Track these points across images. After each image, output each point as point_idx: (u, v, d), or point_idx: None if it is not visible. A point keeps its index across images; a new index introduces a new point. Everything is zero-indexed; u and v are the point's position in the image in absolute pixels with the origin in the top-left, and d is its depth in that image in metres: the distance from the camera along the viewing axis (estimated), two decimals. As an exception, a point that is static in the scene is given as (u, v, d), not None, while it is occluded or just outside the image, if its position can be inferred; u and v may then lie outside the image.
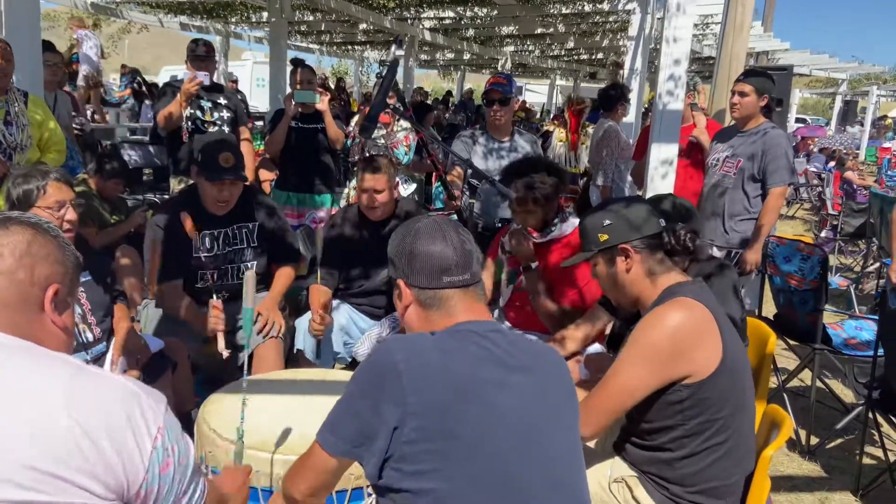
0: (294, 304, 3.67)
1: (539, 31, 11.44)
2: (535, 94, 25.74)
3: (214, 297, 2.86)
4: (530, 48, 14.75)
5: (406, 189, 5.50)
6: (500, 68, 14.60)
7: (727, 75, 5.97)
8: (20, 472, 1.00)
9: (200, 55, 4.43)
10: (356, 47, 15.85)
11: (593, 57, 15.98)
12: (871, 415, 3.16)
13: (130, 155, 6.03)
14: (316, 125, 4.66)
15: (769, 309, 4.18)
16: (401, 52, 3.14)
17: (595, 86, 17.77)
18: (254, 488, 1.86)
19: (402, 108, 3.47)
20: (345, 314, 3.30)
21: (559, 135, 8.31)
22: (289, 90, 4.82)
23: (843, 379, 4.13)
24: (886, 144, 11.97)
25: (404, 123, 5.03)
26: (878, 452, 3.25)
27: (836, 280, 5.78)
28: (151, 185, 6.06)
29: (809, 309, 3.59)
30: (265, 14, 10.18)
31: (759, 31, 11.21)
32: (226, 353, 2.74)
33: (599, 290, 2.41)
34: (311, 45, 14.75)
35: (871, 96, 21.45)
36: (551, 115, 14.33)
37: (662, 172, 3.91)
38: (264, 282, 3.26)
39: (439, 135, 8.45)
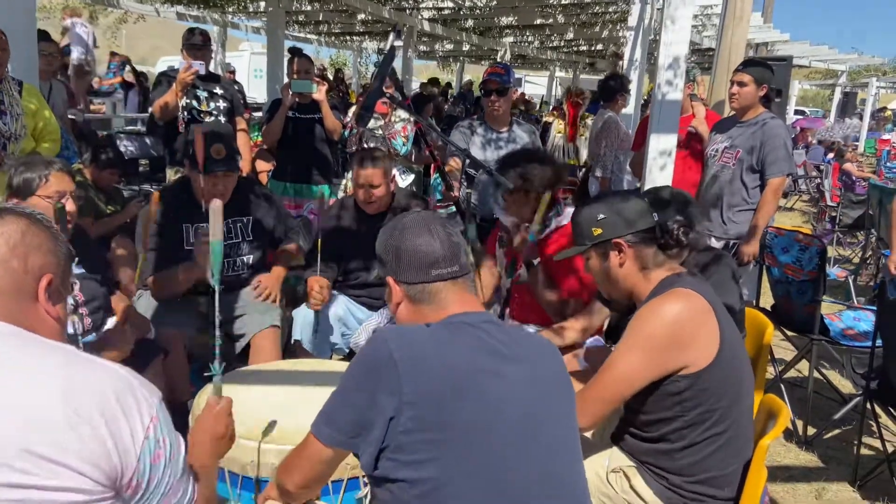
0: (291, 296, 3.66)
1: (538, 21, 11.39)
2: (534, 85, 25.69)
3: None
4: (529, 39, 14.70)
5: (404, 180, 5.47)
6: (499, 59, 14.54)
7: (726, 66, 5.95)
8: (17, 455, 1.01)
9: (196, 44, 4.40)
10: (354, 38, 15.78)
11: (593, 48, 15.92)
12: (868, 405, 3.16)
13: (126, 145, 5.99)
14: (313, 115, 4.64)
15: (767, 300, 4.18)
16: (399, 42, 3.11)
17: (593, 77, 17.74)
18: (248, 478, 1.86)
19: (399, 97, 3.45)
20: (342, 305, 3.29)
21: (558, 126, 8.28)
22: (286, 80, 4.79)
23: (841, 369, 4.13)
24: (886, 136, 11.96)
25: (402, 114, 5.00)
26: (876, 443, 3.25)
27: (834, 271, 5.77)
28: (147, 175, 6.03)
29: (807, 300, 3.58)
30: (262, 3, 10.14)
31: (758, 21, 11.16)
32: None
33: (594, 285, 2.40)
34: (308, 36, 14.68)
35: (871, 88, 21.42)
36: (550, 107, 14.29)
37: (661, 164, 3.90)
38: (262, 273, 3.25)
39: (438, 126, 8.41)
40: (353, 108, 5.56)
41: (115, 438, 1.08)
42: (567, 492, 1.42)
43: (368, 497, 1.86)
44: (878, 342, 3.12)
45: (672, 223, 1.87)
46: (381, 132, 5.34)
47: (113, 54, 11.01)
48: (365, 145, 4.86)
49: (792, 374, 3.98)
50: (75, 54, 8.37)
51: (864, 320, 3.84)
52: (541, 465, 1.38)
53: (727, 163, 3.93)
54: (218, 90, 4.44)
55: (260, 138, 6.16)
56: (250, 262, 3.19)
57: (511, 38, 14.39)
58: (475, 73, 21.94)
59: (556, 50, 16.99)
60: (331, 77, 13.31)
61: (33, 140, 3.44)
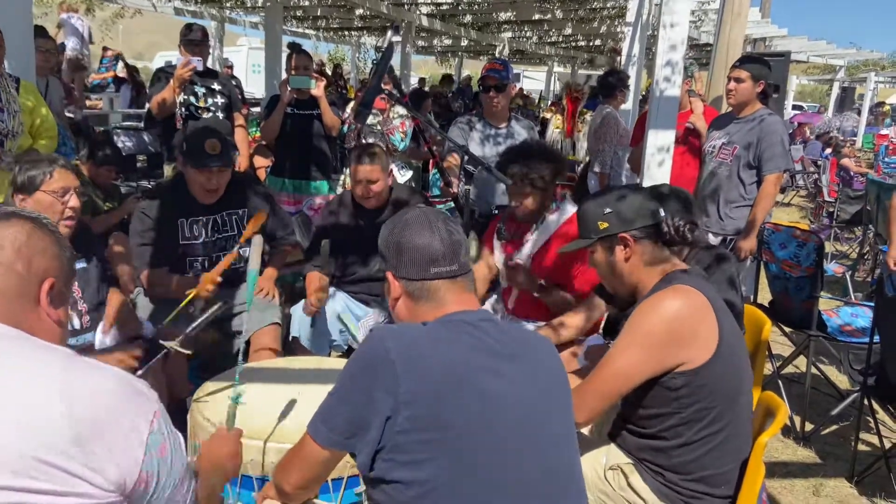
0: (290, 292, 3.66)
1: (537, 17, 11.37)
2: (532, 80, 25.64)
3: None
4: (528, 34, 14.67)
5: (402, 176, 5.46)
6: (497, 55, 14.52)
7: (724, 61, 5.95)
8: (18, 461, 1.00)
9: (194, 40, 4.39)
10: (353, 33, 15.74)
11: (591, 43, 15.90)
12: (866, 401, 3.17)
13: (124, 141, 5.98)
14: (312, 111, 4.63)
15: (764, 296, 4.19)
16: (397, 38, 3.11)
17: (590, 72, 17.72)
18: (248, 477, 1.86)
19: (397, 94, 3.44)
20: (340, 302, 3.29)
21: (556, 122, 8.28)
22: (284, 76, 4.78)
23: (839, 366, 4.14)
24: (884, 131, 11.93)
25: (400, 110, 5.00)
26: (873, 439, 3.26)
27: (831, 267, 5.78)
28: (145, 171, 6.01)
29: (805, 296, 3.59)
30: (260, -1, 10.11)
31: (756, 17, 11.15)
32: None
33: (597, 276, 2.40)
34: (307, 31, 14.64)
35: (869, 83, 21.40)
36: (549, 102, 14.27)
37: (659, 160, 3.90)
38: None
39: (436, 122, 8.40)
40: (351, 104, 5.55)
41: (116, 442, 1.08)
42: (565, 488, 1.43)
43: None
44: (876, 338, 3.13)
45: (678, 219, 1.87)
46: (379, 128, 5.33)
47: (105, 49, 10.97)
48: (363, 141, 4.85)
49: (789, 370, 3.99)
50: (70, 45, 8.33)
51: (862, 316, 3.85)
52: (539, 463, 1.38)
53: (724, 159, 3.93)
54: (216, 86, 4.43)
55: (258, 134, 6.16)
56: (247, 255, 3.19)
57: (509, 34, 14.37)
58: (473, 69, 21.93)
59: (554, 45, 16.97)
60: (329, 72, 13.29)
61: (30, 137, 3.42)
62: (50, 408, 1.04)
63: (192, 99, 4.30)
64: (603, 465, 1.92)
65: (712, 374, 1.75)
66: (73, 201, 2.42)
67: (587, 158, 6.34)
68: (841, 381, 4.01)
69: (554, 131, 8.21)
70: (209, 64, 4.67)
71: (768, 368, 3.65)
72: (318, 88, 4.53)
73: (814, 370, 3.63)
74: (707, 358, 1.74)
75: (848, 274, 5.79)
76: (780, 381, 3.69)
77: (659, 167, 3.89)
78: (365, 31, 15.29)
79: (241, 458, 1.60)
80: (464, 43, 15.60)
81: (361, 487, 1.87)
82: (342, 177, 5.33)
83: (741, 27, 6.40)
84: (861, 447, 3.25)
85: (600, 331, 2.95)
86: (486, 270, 3.14)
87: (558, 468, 1.42)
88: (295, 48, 4.80)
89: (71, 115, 5.70)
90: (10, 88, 3.29)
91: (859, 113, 21.22)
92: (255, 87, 13.23)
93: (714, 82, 6.34)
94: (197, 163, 2.94)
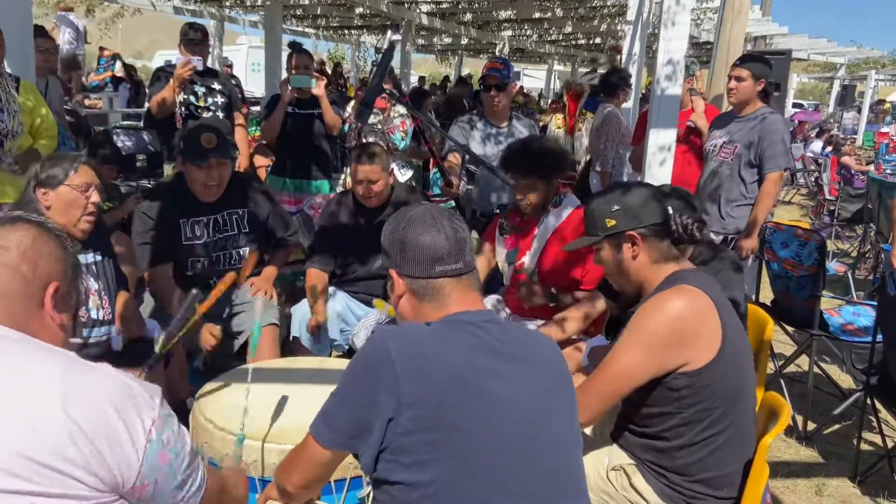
0: (290, 291, 3.65)
1: (537, 15, 11.36)
2: (532, 79, 25.64)
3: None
4: (528, 33, 14.66)
5: (403, 175, 5.45)
6: (497, 53, 14.50)
7: (725, 60, 5.95)
8: (13, 460, 1.00)
9: (194, 39, 4.38)
10: (352, 31, 15.72)
11: (591, 42, 15.88)
12: (868, 401, 3.16)
13: (123, 140, 5.96)
14: (312, 111, 4.62)
15: (766, 295, 4.18)
16: (397, 37, 3.10)
17: (586, 70, 17.67)
18: (250, 478, 1.86)
19: (398, 94, 3.43)
20: (341, 301, 3.28)
21: (556, 122, 8.26)
22: (284, 75, 4.77)
23: (840, 365, 4.13)
24: (884, 129, 11.92)
25: (401, 109, 4.99)
26: (876, 438, 3.25)
27: (833, 266, 5.77)
28: (145, 171, 6.00)
29: (807, 295, 3.58)
30: (260, -2, 10.09)
31: (757, 14, 11.14)
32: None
33: (600, 271, 2.39)
34: (306, 30, 14.62)
35: (870, 80, 21.39)
36: (549, 102, 14.24)
37: (661, 158, 3.88)
38: (259, 266, 3.24)
39: (437, 121, 8.38)
40: (351, 103, 5.54)
41: (113, 445, 1.08)
42: (566, 488, 1.42)
43: (371, 497, 1.85)
44: (879, 337, 3.12)
45: (687, 217, 1.86)
46: (379, 127, 5.32)
47: (102, 50, 10.97)
48: (364, 140, 4.84)
49: (791, 369, 3.98)
50: (65, 40, 8.32)
51: (864, 315, 3.84)
52: (542, 463, 1.38)
53: (725, 158, 3.93)
54: (216, 86, 4.42)
55: (258, 133, 6.15)
56: (247, 254, 3.18)
57: (509, 32, 14.35)
58: (473, 67, 21.92)
59: (554, 44, 16.94)
60: (329, 71, 13.28)
61: (30, 137, 3.41)
62: (49, 409, 1.04)
63: (192, 98, 4.29)
64: (605, 465, 1.91)
65: (715, 375, 1.74)
66: (95, 197, 2.46)
67: (587, 157, 6.33)
68: (843, 380, 4.00)
69: (556, 131, 8.19)
70: (209, 63, 4.66)
71: (770, 368, 3.63)
72: (319, 87, 4.52)
73: (816, 369, 3.62)
74: (710, 359, 1.73)
75: (850, 272, 5.78)
76: (782, 381, 3.68)
77: (660, 166, 3.88)
78: (365, 30, 15.28)
79: (244, 495, 1.60)
80: (464, 41, 15.58)
81: (364, 491, 1.87)
82: (343, 176, 5.32)
83: (742, 25, 6.40)
84: (864, 447, 3.24)
85: (602, 324, 2.95)
86: (484, 264, 3.14)
87: (559, 468, 1.41)
88: (296, 47, 4.78)
89: (70, 109, 5.67)
90: (10, 88, 3.28)
91: (859, 111, 21.20)
92: (254, 85, 13.23)
93: (715, 80, 6.33)
94: (195, 158, 2.93)
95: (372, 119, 4.86)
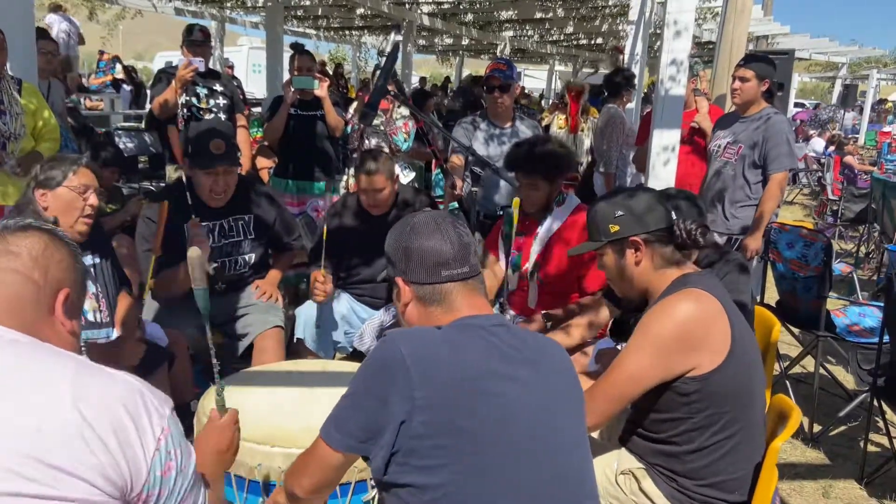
0: (293, 294, 3.65)
1: (538, 15, 11.34)
2: (533, 79, 25.62)
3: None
4: (529, 33, 14.65)
5: (406, 177, 5.45)
6: (498, 54, 14.49)
7: (728, 59, 5.92)
8: (25, 462, 1.00)
9: (196, 41, 4.37)
10: (353, 32, 15.71)
11: (593, 42, 15.87)
12: (875, 402, 3.15)
13: (125, 142, 5.97)
14: (315, 112, 4.61)
15: (771, 296, 4.16)
16: (398, 37, 3.09)
17: (588, 71, 17.67)
18: (255, 482, 1.85)
19: (402, 96, 3.42)
20: (345, 304, 3.27)
21: (558, 121, 8.24)
22: (286, 76, 4.76)
23: (846, 366, 4.12)
24: (886, 128, 11.93)
25: (403, 110, 4.98)
26: (883, 440, 3.24)
27: (838, 266, 5.75)
28: (147, 173, 6.01)
29: (813, 295, 3.56)
30: (261, -1, 10.09)
31: (759, 14, 11.12)
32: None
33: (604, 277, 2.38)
34: (307, 31, 14.61)
35: (871, 80, 21.38)
36: (550, 102, 14.22)
37: (664, 159, 3.86)
38: (264, 271, 3.23)
39: (439, 121, 8.37)
40: (354, 105, 5.53)
41: (125, 450, 1.07)
42: (575, 493, 1.41)
43: (376, 500, 1.84)
44: (886, 339, 3.10)
45: (690, 222, 1.85)
46: (382, 128, 5.31)
47: (101, 53, 10.98)
48: (366, 141, 4.83)
49: (797, 370, 3.97)
50: (58, 35, 8.29)
51: (870, 316, 3.83)
52: (552, 467, 1.37)
53: (729, 158, 3.91)
54: (218, 87, 4.41)
55: (260, 134, 6.14)
56: (252, 260, 3.17)
57: (511, 32, 14.34)
58: (475, 68, 21.91)
59: (555, 44, 16.94)
60: (330, 72, 13.27)
61: (33, 139, 3.41)
62: (62, 413, 1.04)
63: (194, 100, 4.28)
64: (614, 469, 1.90)
65: (724, 379, 1.72)
66: (93, 199, 2.46)
67: (589, 158, 6.32)
68: (849, 381, 3.99)
69: (558, 131, 8.17)
70: (210, 64, 4.65)
71: (776, 369, 3.62)
72: (321, 89, 4.51)
73: (822, 371, 3.60)
74: (719, 362, 1.72)
75: (855, 273, 5.76)
76: (787, 382, 3.66)
77: (664, 167, 3.86)
78: (366, 31, 15.27)
79: (237, 445, 1.56)
80: (465, 42, 15.57)
81: (369, 494, 1.86)
82: (345, 177, 5.32)
83: (744, 24, 6.37)
84: (870, 448, 3.22)
85: (606, 328, 2.93)
86: (492, 279, 3.07)
87: (568, 473, 1.40)
88: (298, 49, 4.77)
89: (72, 108, 5.66)
90: (13, 91, 3.28)
91: (861, 110, 21.19)
92: (255, 86, 13.24)
93: (718, 80, 6.31)
94: (203, 164, 2.91)
95: (374, 120, 4.85)
